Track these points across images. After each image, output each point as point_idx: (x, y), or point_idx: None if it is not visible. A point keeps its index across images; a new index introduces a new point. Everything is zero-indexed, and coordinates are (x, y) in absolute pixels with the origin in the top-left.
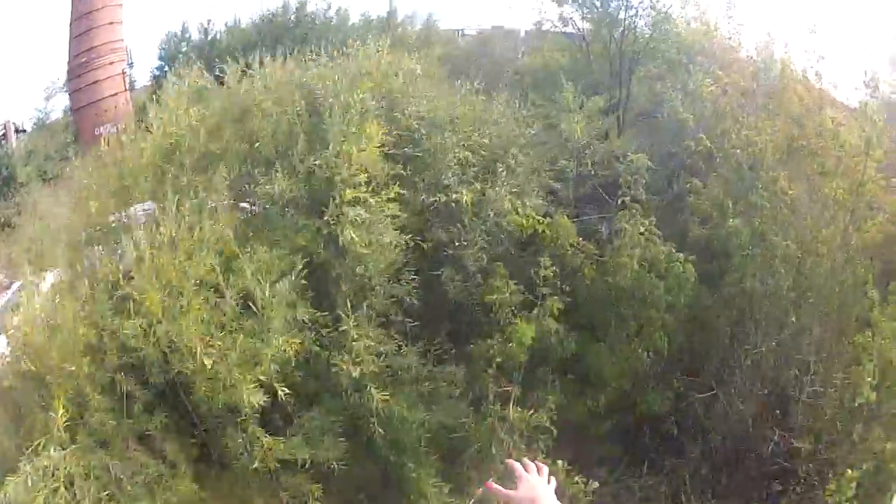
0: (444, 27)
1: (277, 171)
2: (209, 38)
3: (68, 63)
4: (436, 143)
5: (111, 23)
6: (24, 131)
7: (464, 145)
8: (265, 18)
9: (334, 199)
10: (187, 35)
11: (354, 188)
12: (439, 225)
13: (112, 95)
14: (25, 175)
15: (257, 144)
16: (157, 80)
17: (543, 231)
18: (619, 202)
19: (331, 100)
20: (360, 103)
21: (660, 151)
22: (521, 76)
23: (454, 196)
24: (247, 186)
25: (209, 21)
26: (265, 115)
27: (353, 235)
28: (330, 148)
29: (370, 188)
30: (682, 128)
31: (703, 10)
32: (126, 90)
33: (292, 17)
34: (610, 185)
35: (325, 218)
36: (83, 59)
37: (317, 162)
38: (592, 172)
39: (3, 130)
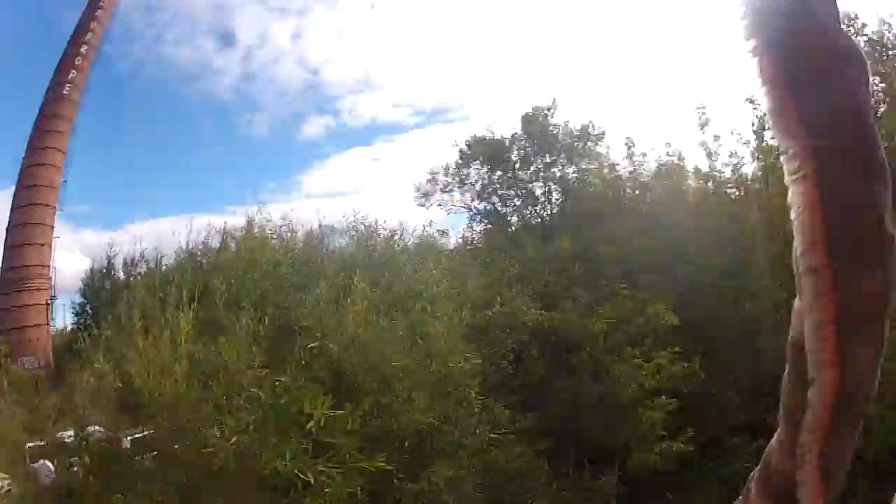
0: None
1: None
2: (131, 276)
3: (1, 272)
4: None
5: (43, 244)
6: None
7: None
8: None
9: None
10: (112, 272)
11: None
12: None
13: (35, 326)
14: None
15: None
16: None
17: None
18: None
19: None
20: None
21: None
22: None
23: None
24: None
25: (133, 260)
26: None
27: None
28: None
29: None
30: None
31: None
32: (48, 323)
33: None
34: None
35: None
36: (13, 276)
37: None
38: None
39: None
